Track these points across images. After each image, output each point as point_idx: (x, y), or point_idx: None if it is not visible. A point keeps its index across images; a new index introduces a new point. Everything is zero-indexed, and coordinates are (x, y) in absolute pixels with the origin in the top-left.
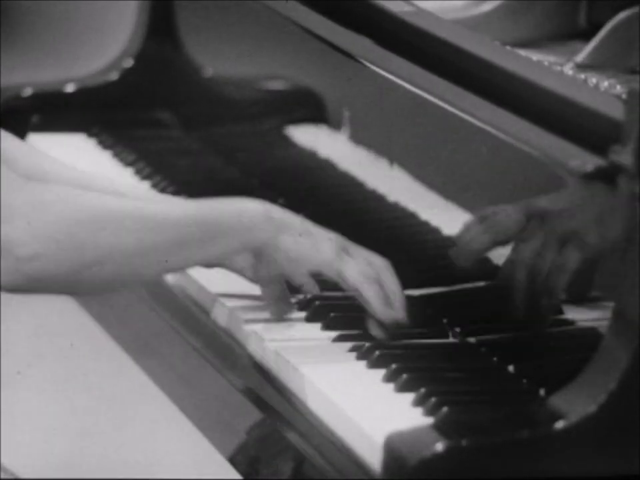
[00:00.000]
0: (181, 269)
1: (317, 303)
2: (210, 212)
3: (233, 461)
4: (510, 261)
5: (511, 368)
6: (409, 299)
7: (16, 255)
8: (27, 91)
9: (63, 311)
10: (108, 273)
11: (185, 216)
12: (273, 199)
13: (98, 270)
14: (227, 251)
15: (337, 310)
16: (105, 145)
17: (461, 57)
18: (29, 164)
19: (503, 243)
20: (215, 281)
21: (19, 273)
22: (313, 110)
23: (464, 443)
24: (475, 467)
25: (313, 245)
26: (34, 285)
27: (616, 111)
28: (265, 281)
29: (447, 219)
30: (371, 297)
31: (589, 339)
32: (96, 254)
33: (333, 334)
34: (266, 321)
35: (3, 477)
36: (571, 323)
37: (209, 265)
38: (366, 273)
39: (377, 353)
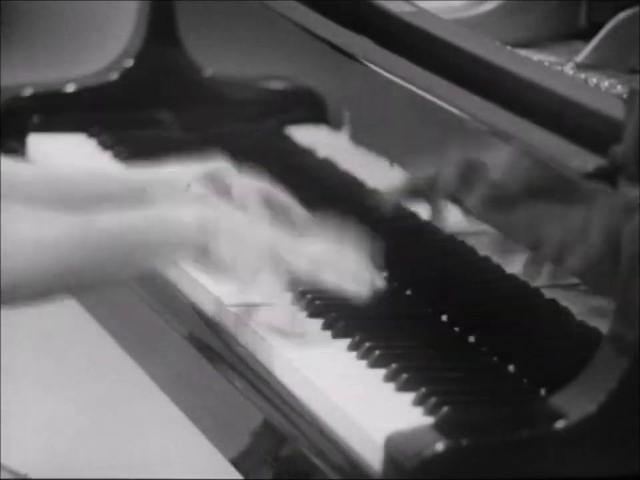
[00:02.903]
0: (107, 285)
1: (318, 302)
2: (140, 227)
3: (233, 460)
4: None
5: (511, 367)
6: (408, 298)
7: None
8: (27, 91)
9: (63, 311)
10: (29, 294)
11: (111, 233)
12: None
13: (19, 292)
14: (158, 262)
15: (337, 309)
16: (105, 145)
17: (461, 56)
18: None
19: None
20: (221, 284)
21: None
22: (313, 110)
23: (464, 442)
24: (475, 467)
25: (236, 253)
26: None
27: (616, 111)
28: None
29: (448, 218)
30: (274, 316)
31: (590, 338)
32: (10, 281)
33: (333, 332)
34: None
35: (5, 476)
36: (572, 322)
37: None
38: (300, 273)
39: (377, 352)
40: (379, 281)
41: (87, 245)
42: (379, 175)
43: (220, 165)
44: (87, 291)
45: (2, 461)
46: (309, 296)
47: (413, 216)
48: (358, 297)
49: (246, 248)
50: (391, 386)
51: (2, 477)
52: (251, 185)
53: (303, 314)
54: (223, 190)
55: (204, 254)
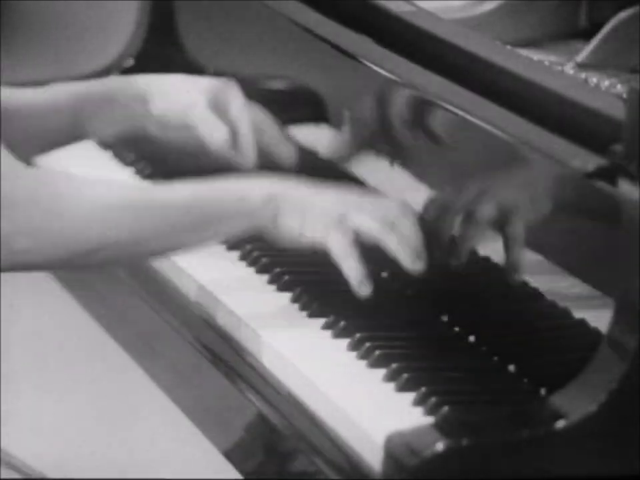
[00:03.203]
0: (177, 252)
1: (317, 303)
2: (211, 197)
3: (233, 460)
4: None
5: (511, 367)
6: (408, 299)
7: (10, 247)
8: None
9: (62, 311)
10: (101, 259)
11: (185, 202)
12: None
13: (92, 256)
14: (227, 235)
15: (338, 311)
16: (105, 144)
17: (461, 56)
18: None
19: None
20: (223, 286)
21: (11, 261)
22: (314, 110)
23: (464, 442)
24: (475, 467)
25: (304, 225)
26: (25, 269)
27: (616, 111)
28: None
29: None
30: (350, 269)
31: (590, 338)
32: (88, 245)
33: (333, 332)
34: (260, 312)
35: (14, 476)
36: (572, 322)
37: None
38: (363, 232)
39: (377, 352)
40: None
41: (163, 213)
42: (379, 174)
43: (227, 82)
44: (156, 257)
45: (9, 458)
46: (307, 296)
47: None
48: (412, 267)
49: (313, 216)
50: (391, 386)
51: (4, 477)
52: (246, 108)
53: (303, 314)
54: (221, 107)
55: (273, 225)
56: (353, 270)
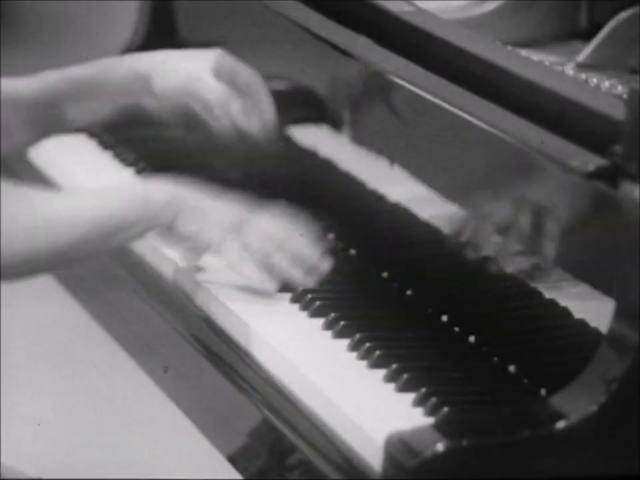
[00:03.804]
0: (89, 257)
1: (318, 302)
2: (116, 209)
3: (232, 460)
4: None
5: (511, 368)
6: (408, 298)
7: None
8: None
9: (62, 310)
10: (26, 271)
11: (93, 216)
12: (272, 199)
13: (19, 269)
14: (133, 238)
15: (337, 309)
16: (105, 145)
17: (461, 56)
18: None
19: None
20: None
21: None
22: (313, 110)
23: (464, 443)
24: (475, 467)
25: (201, 230)
26: None
27: (617, 111)
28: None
29: (448, 219)
30: (245, 274)
31: (590, 338)
32: (10, 258)
33: (333, 332)
34: (260, 312)
35: (5, 476)
36: (572, 322)
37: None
38: (253, 250)
39: (378, 352)
40: (325, 265)
41: (77, 227)
42: (380, 175)
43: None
44: (66, 267)
45: (3, 461)
46: (309, 296)
47: (413, 217)
48: (303, 283)
49: (210, 223)
50: (391, 386)
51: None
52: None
53: (304, 314)
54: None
55: (170, 228)
56: (247, 275)
